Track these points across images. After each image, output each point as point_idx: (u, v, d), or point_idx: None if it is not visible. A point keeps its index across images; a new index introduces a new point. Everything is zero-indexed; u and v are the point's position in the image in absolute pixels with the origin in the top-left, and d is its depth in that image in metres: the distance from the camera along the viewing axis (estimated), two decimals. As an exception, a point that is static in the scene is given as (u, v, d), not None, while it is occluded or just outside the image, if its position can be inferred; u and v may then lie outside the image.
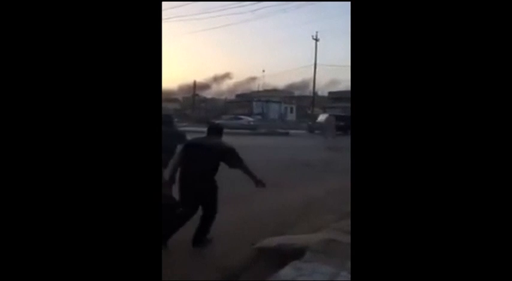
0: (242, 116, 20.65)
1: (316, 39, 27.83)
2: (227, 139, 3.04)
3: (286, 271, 2.13)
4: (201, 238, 2.75)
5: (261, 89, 34.93)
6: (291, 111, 32.45)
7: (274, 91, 35.65)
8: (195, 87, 28.75)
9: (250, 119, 20.66)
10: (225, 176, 2.83)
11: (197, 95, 29.12)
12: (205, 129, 3.06)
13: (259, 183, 2.73)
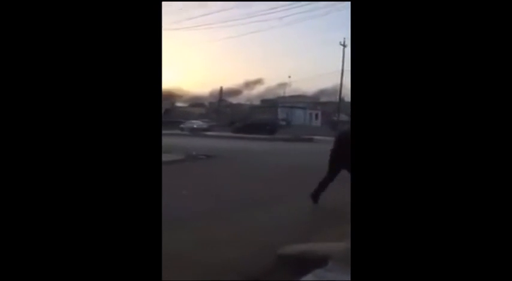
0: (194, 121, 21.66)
1: (344, 45, 27.64)
2: (241, 144, 3.10)
3: (308, 279, 2.10)
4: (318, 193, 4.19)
5: (287, 94, 34.99)
6: (316, 118, 32.15)
7: (300, 97, 35.50)
8: (221, 93, 29.17)
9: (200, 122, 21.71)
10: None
11: (223, 100, 29.47)
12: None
13: None
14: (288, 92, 35.62)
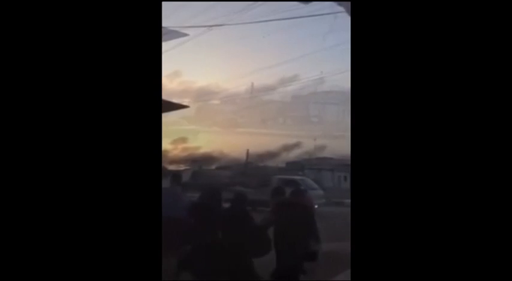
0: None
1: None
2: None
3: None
4: None
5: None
6: (345, 180, 31.43)
7: (326, 158, 35.31)
8: (248, 155, 29.75)
9: None
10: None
11: (250, 163, 29.81)
12: None
13: None
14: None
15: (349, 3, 2.54)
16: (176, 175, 4.59)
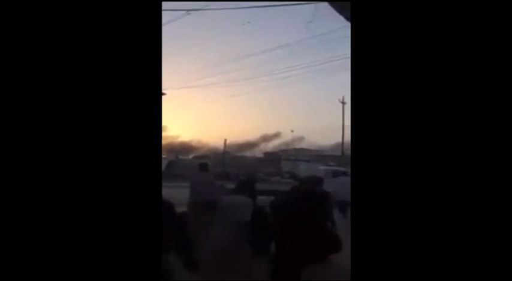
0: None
1: (343, 103, 28.90)
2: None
3: None
4: None
5: (290, 147, 35.64)
6: (320, 170, 32.03)
7: (303, 150, 35.89)
8: (225, 145, 29.66)
9: None
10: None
11: (227, 152, 29.73)
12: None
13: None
14: (304, 145, 36.53)
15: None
16: (203, 164, 5.57)
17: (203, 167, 5.32)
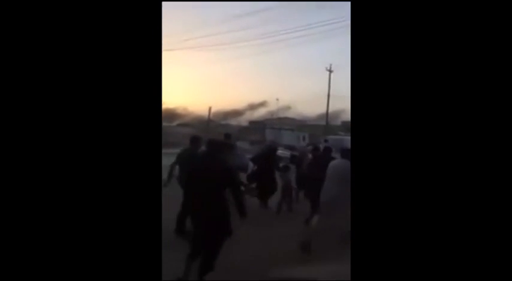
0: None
1: (330, 71, 28.63)
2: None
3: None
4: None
5: (274, 116, 35.53)
6: (304, 139, 32.34)
7: (288, 119, 35.89)
8: (210, 113, 29.31)
9: None
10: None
11: (212, 121, 29.49)
12: None
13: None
14: (291, 114, 36.25)
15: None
16: (228, 134, 6.95)
17: (228, 136, 6.60)
